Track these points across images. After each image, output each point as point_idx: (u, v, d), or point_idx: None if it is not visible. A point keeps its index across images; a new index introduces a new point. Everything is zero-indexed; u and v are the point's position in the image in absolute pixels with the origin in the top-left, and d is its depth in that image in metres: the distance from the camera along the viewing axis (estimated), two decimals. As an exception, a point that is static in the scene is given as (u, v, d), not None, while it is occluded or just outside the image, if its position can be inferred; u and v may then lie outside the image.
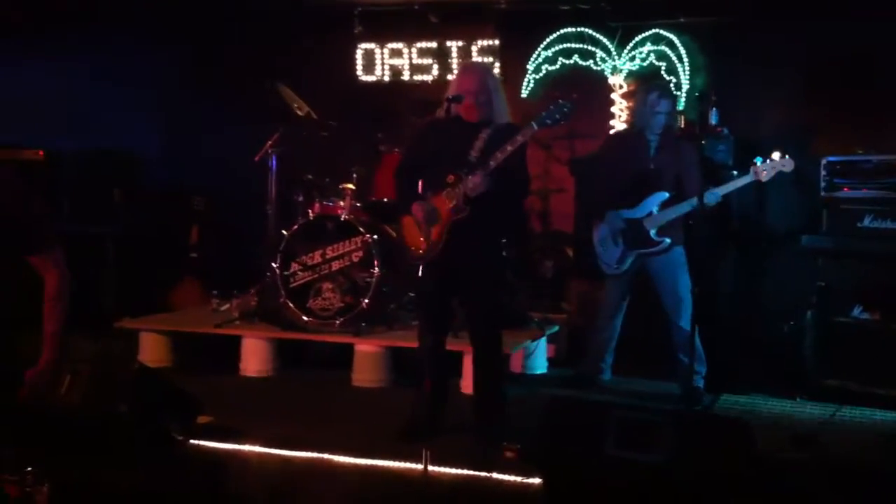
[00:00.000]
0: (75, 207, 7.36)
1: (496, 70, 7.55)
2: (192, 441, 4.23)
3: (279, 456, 4.23)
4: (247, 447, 4.28)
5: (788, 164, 5.14)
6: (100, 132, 8.15)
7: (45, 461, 3.95)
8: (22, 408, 3.89)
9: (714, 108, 6.68)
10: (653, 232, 5.35)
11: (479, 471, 3.92)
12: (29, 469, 3.91)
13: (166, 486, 3.98)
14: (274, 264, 6.23)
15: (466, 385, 5.46)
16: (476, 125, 4.55)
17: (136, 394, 3.99)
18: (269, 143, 6.52)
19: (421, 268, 4.52)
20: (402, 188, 4.74)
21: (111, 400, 3.93)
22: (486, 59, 7.64)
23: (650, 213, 5.37)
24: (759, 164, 5.15)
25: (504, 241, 5.25)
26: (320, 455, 4.18)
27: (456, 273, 4.53)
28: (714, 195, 5.14)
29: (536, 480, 3.76)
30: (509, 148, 4.33)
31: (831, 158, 5.64)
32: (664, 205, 5.35)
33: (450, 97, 4.53)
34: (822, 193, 5.63)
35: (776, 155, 5.14)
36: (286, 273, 6.17)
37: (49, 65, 8.37)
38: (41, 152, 7.26)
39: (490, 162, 4.35)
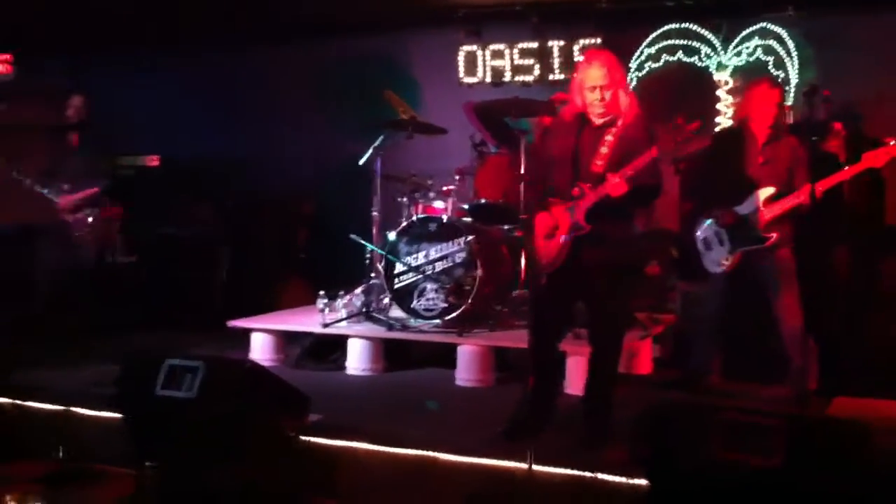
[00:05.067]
0: (188, 212, 7.63)
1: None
2: (302, 438, 4.33)
3: (387, 453, 4.29)
4: (355, 444, 4.36)
5: None
6: (209, 140, 8.43)
7: (162, 456, 4.13)
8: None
9: (823, 102, 6.50)
10: (760, 228, 5.24)
11: (585, 471, 3.92)
12: (146, 464, 4.09)
13: (278, 482, 4.10)
14: (379, 265, 6.35)
15: (571, 385, 5.45)
16: (600, 128, 4.37)
17: (249, 391, 4.11)
18: (374, 146, 6.62)
19: (545, 275, 4.43)
20: (528, 193, 4.64)
21: (225, 396, 4.04)
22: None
23: (758, 209, 5.25)
24: (871, 150, 4.99)
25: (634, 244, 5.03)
26: (426, 453, 4.23)
27: (581, 282, 4.40)
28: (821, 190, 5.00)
29: (643, 482, 3.73)
30: (638, 164, 4.13)
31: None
32: (772, 200, 5.23)
33: (556, 98, 4.46)
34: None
35: (893, 141, 4.96)
36: (391, 274, 6.27)
37: (155, 75, 8.69)
38: (157, 158, 7.54)
39: (624, 173, 4.16)
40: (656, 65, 7.33)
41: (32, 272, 6.25)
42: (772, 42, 6.98)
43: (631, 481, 3.81)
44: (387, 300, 6.42)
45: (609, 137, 4.33)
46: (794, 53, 6.92)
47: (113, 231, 6.48)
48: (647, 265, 7.11)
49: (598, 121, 4.40)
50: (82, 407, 5.04)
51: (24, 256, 7.05)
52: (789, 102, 6.70)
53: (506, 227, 6.56)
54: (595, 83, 4.31)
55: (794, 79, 6.91)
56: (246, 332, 6.34)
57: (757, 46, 7.04)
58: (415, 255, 6.25)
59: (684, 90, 7.37)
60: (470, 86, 8.04)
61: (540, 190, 4.58)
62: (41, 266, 6.28)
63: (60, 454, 4.88)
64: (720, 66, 7.16)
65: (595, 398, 4.50)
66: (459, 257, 6.10)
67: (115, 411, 4.64)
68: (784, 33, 6.94)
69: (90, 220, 6.28)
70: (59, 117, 6.09)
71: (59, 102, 6.40)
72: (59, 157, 6.32)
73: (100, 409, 4.94)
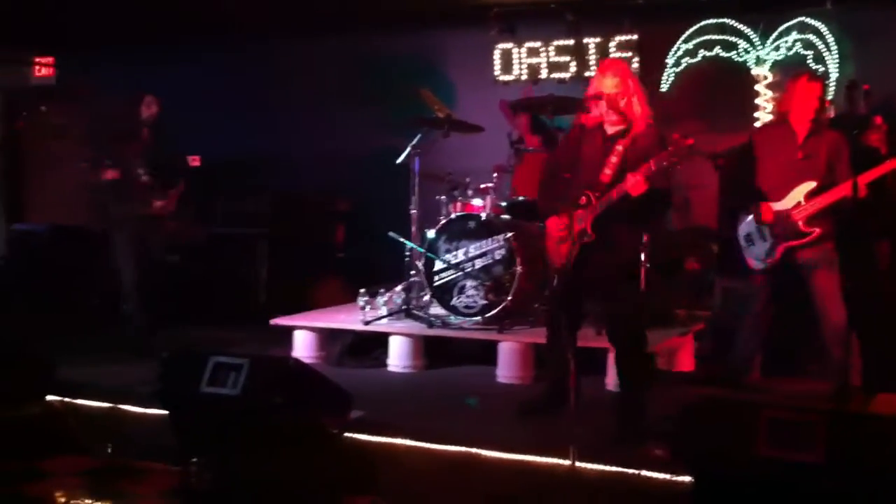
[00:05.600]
0: (229, 210, 7.71)
1: (635, 65, 7.51)
2: (345, 434, 4.37)
3: (429, 450, 4.32)
4: (398, 441, 4.39)
5: None
6: (246, 139, 8.51)
7: (206, 453, 4.19)
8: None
9: (864, 96, 6.44)
10: (801, 223, 5.21)
11: (628, 468, 3.92)
12: (193, 460, 4.15)
13: (321, 479, 4.15)
14: (418, 263, 6.39)
15: (612, 383, 5.46)
16: (612, 137, 4.49)
17: (292, 388, 4.16)
18: (412, 144, 6.66)
19: (557, 276, 4.56)
20: (542, 195, 4.83)
21: (269, 393, 4.10)
22: (624, 55, 7.60)
23: (798, 204, 5.22)
24: None
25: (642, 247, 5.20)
26: (469, 450, 4.24)
27: (591, 285, 4.56)
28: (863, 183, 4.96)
29: (686, 479, 3.73)
30: (660, 160, 4.20)
31: None
32: (813, 195, 5.20)
33: (587, 97, 4.51)
34: None
35: None
36: (430, 271, 6.31)
37: (192, 72, 8.77)
38: (198, 158, 7.63)
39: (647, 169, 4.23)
40: (693, 60, 7.30)
41: (118, 271, 6.26)
42: (810, 36, 6.93)
43: (674, 478, 3.80)
44: (427, 297, 6.46)
45: (619, 147, 4.45)
46: (833, 47, 6.86)
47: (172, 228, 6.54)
48: (685, 262, 7.10)
49: (611, 129, 4.53)
50: (129, 404, 5.12)
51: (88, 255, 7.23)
52: (829, 97, 6.64)
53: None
54: (608, 92, 4.44)
55: (833, 73, 6.84)
56: (288, 330, 6.41)
57: (795, 41, 6.99)
58: (454, 253, 6.28)
59: (722, 86, 7.33)
60: (506, 83, 8.05)
61: (557, 193, 4.70)
62: (132, 264, 6.28)
63: (107, 450, 4.96)
64: (759, 61, 7.11)
65: (624, 397, 4.65)
66: (499, 254, 6.12)
67: (160, 408, 4.72)
68: (823, 27, 6.88)
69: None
70: (133, 117, 6.12)
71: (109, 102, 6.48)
72: (138, 156, 6.33)
73: (146, 407, 5.02)
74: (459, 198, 6.57)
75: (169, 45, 9.07)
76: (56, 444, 5.04)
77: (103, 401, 5.20)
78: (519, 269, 5.98)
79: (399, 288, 6.57)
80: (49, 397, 5.24)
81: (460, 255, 6.26)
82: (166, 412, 4.50)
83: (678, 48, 7.36)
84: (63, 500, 4.40)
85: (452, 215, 6.44)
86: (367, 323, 6.24)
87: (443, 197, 6.68)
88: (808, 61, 6.89)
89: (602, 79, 4.52)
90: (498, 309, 6.03)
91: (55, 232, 8.11)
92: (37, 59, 9.99)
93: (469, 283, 6.19)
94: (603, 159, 4.47)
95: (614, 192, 4.35)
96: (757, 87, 7.11)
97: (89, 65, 9.22)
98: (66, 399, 5.25)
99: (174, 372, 4.47)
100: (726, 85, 7.30)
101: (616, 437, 4.39)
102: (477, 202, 6.50)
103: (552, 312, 4.80)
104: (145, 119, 6.21)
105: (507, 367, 5.78)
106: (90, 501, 4.40)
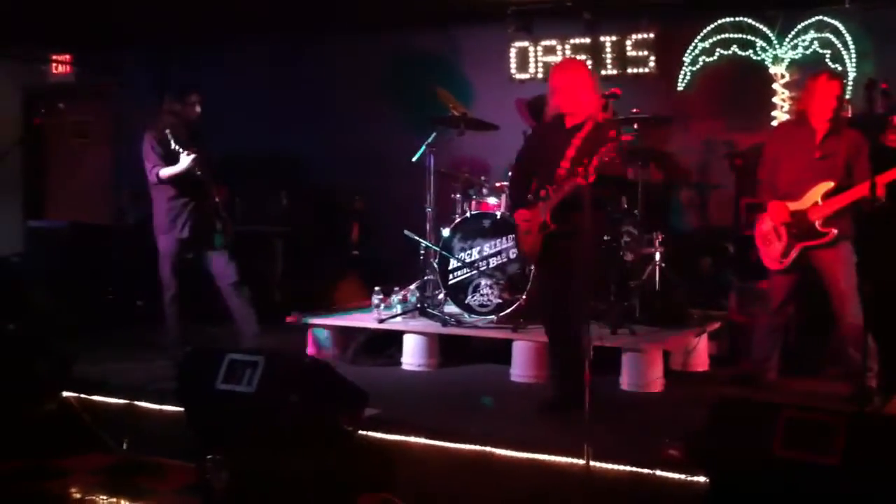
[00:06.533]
0: (247, 208, 7.73)
1: (651, 63, 7.51)
2: (360, 432, 4.38)
3: (444, 448, 4.32)
4: (412, 439, 4.40)
5: None
6: (260, 137, 8.53)
7: (224, 449, 4.20)
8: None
9: (882, 96, 6.40)
10: (818, 223, 5.18)
11: (642, 468, 3.91)
12: (209, 456, 4.16)
13: (336, 476, 4.15)
14: (433, 261, 6.40)
15: (625, 382, 5.45)
16: (570, 131, 4.68)
17: (308, 385, 4.16)
18: (427, 143, 6.65)
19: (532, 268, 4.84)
20: (511, 190, 5.16)
21: (284, 391, 4.11)
22: (641, 53, 7.59)
23: (815, 204, 5.19)
24: None
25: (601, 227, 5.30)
26: (483, 448, 4.24)
27: (558, 272, 4.75)
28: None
29: (701, 479, 3.72)
30: (597, 161, 4.33)
31: None
32: (831, 195, 5.16)
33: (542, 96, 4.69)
34: None
35: None
36: (445, 269, 6.31)
37: (210, 71, 8.80)
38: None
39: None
40: (710, 59, 7.27)
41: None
42: (828, 35, 6.88)
43: (690, 479, 3.79)
44: (441, 296, 6.46)
45: (576, 140, 4.64)
46: (852, 46, 6.81)
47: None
48: (701, 261, 7.07)
49: (569, 124, 4.73)
50: (145, 401, 5.15)
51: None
52: (847, 96, 6.60)
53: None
54: (562, 87, 4.70)
55: (851, 72, 6.80)
56: (303, 327, 6.41)
57: (813, 39, 6.94)
58: (469, 251, 6.29)
59: (739, 85, 7.30)
60: (521, 82, 8.03)
61: (524, 187, 4.92)
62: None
63: (123, 447, 4.99)
64: (776, 60, 7.07)
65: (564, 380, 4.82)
66: (513, 253, 6.11)
67: (176, 405, 4.74)
68: (841, 26, 6.84)
69: None
70: (184, 114, 6.06)
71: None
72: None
73: (162, 403, 5.04)
74: (475, 196, 6.57)
75: (188, 43, 9.10)
76: (73, 440, 5.08)
77: (119, 397, 5.23)
78: (533, 268, 5.97)
79: (414, 286, 6.58)
80: (65, 394, 5.27)
81: (475, 254, 6.26)
82: (182, 409, 4.52)
83: (695, 46, 7.33)
84: (80, 496, 4.43)
85: (467, 214, 6.45)
86: (381, 321, 6.24)
87: (458, 195, 6.69)
88: (826, 60, 6.84)
89: (556, 75, 4.76)
90: (512, 308, 6.03)
91: (75, 229, 8.14)
92: (54, 57, 10.05)
93: (484, 281, 6.19)
94: (562, 152, 4.67)
95: (566, 184, 4.54)
96: (774, 86, 7.07)
97: (110, 63, 9.26)
98: (83, 395, 5.28)
99: (191, 369, 4.49)
100: (743, 84, 7.26)
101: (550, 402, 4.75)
102: (492, 200, 6.50)
103: (541, 299, 5.13)
104: (197, 117, 6.13)
105: (521, 365, 5.77)
106: (106, 498, 4.42)
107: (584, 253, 4.57)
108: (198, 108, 6.08)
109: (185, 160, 5.77)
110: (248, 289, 6.10)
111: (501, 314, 6.07)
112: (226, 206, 6.10)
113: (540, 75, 7.96)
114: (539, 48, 7.98)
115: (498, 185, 6.51)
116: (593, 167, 4.29)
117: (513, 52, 8.05)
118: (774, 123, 6.90)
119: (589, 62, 7.75)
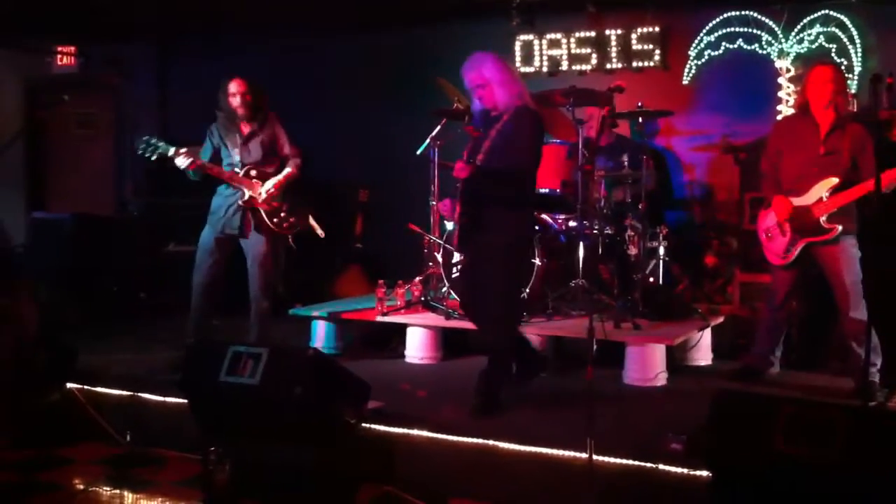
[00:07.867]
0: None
1: (657, 56, 7.50)
2: (363, 425, 4.38)
3: (447, 441, 4.33)
4: (415, 432, 4.40)
5: None
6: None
7: (226, 441, 4.21)
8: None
9: (888, 90, 6.38)
10: (822, 219, 5.17)
11: (645, 462, 3.92)
12: (212, 448, 4.17)
13: (339, 468, 4.16)
14: (437, 254, 6.39)
15: (630, 377, 5.45)
16: (491, 123, 4.73)
17: (312, 377, 4.17)
18: (431, 135, 6.64)
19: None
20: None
21: (287, 383, 4.11)
22: (646, 47, 7.58)
23: (820, 200, 5.18)
24: None
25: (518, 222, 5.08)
26: (486, 441, 4.25)
27: (476, 261, 4.88)
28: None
29: (704, 473, 3.73)
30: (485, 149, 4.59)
31: None
32: (835, 191, 5.15)
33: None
34: None
35: None
36: (449, 263, 6.31)
37: (215, 66, 8.77)
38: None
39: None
40: (716, 52, 7.25)
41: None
42: (834, 29, 6.86)
43: (692, 472, 3.79)
44: (445, 289, 6.45)
45: (492, 132, 4.69)
46: (857, 41, 6.80)
47: None
48: (704, 255, 7.06)
49: (491, 117, 4.77)
50: (149, 392, 5.15)
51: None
52: (853, 91, 6.59)
53: (563, 216, 6.55)
54: (473, 83, 4.73)
55: (857, 66, 6.78)
56: (306, 320, 6.42)
57: (819, 34, 6.92)
58: (472, 245, 6.26)
59: (744, 78, 7.28)
60: (526, 75, 8.02)
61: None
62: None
63: (127, 438, 5.00)
64: (782, 54, 7.05)
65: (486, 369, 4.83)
66: (516, 248, 6.09)
67: (180, 397, 4.75)
68: (847, 20, 6.82)
69: None
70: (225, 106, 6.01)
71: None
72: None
73: (166, 395, 5.05)
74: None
75: (193, 38, 9.09)
76: (76, 431, 5.09)
77: (123, 389, 5.24)
78: (537, 261, 5.97)
79: (417, 279, 6.58)
80: (69, 385, 5.28)
81: (479, 247, 6.24)
82: (186, 400, 4.52)
83: (700, 40, 7.32)
84: (82, 487, 4.44)
85: (472, 207, 6.42)
86: (385, 314, 6.25)
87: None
88: (832, 54, 6.83)
89: (471, 70, 4.75)
90: (516, 301, 6.01)
91: (78, 220, 8.13)
92: (59, 49, 10.04)
93: (488, 275, 6.17)
94: (482, 145, 4.73)
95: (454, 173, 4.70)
96: (780, 80, 7.06)
97: (115, 55, 9.25)
98: (86, 387, 5.29)
99: (195, 360, 4.50)
100: (749, 78, 7.24)
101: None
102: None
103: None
104: (238, 105, 6.04)
105: (523, 358, 5.76)
106: (109, 489, 4.44)
107: (489, 250, 4.68)
108: (232, 98, 5.97)
109: (180, 161, 5.73)
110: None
111: (505, 308, 6.06)
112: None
113: (545, 69, 7.96)
114: (544, 41, 7.96)
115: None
116: (483, 154, 4.55)
117: (518, 46, 8.03)
118: (780, 118, 6.88)
119: (594, 56, 7.77)
